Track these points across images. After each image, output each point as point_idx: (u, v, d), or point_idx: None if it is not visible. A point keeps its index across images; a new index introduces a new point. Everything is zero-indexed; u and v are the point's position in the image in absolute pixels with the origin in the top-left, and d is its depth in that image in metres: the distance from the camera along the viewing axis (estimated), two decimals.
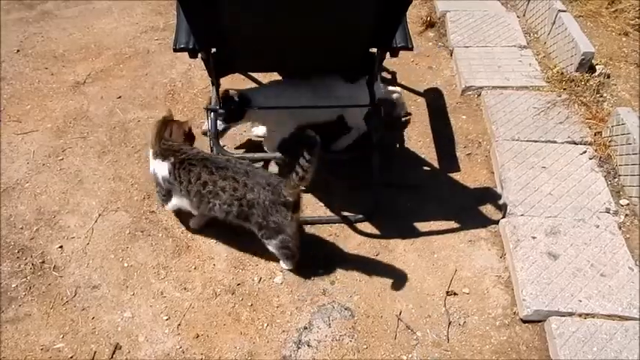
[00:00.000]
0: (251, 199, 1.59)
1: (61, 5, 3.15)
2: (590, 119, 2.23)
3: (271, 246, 1.70)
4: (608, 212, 1.89)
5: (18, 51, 2.78)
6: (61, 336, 1.63)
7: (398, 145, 2.27)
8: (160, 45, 2.82)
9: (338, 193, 2.05)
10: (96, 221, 1.95)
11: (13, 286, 1.75)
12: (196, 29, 1.54)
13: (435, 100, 2.50)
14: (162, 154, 1.69)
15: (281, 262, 1.78)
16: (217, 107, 1.91)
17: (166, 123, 1.75)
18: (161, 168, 1.68)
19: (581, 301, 1.63)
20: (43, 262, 1.82)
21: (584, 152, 2.10)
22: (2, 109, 2.41)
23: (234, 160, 1.66)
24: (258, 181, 1.60)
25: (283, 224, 1.62)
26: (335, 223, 1.95)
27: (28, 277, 1.77)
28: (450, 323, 1.66)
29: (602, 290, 1.65)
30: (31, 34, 2.90)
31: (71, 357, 1.58)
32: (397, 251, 1.86)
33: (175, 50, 1.65)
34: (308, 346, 1.60)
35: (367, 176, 1.97)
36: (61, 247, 1.87)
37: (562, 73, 2.45)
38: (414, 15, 3.00)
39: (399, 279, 1.78)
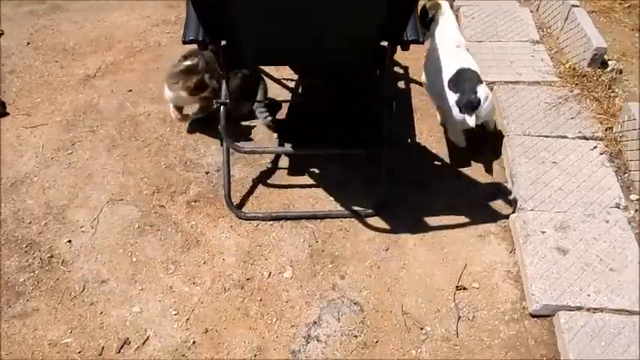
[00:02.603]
0: None
1: None
2: (601, 114, 2.21)
3: None
4: (618, 207, 1.88)
5: (28, 44, 2.78)
6: (69, 331, 1.63)
7: (410, 140, 2.26)
8: (172, 38, 2.82)
9: (348, 187, 2.04)
10: (105, 215, 1.95)
11: (20, 280, 1.75)
12: (205, 21, 1.53)
13: None
14: None
15: None
16: (227, 101, 1.91)
17: None
18: None
19: (589, 295, 1.62)
20: (52, 256, 1.82)
21: (595, 147, 2.09)
22: (12, 102, 2.42)
23: None
24: None
25: None
26: (345, 217, 1.94)
27: (36, 272, 1.78)
28: (459, 318, 1.65)
29: (610, 285, 1.65)
30: (42, 27, 2.90)
31: (79, 352, 1.58)
32: (407, 246, 1.86)
33: (185, 42, 1.63)
34: (317, 340, 1.59)
35: (377, 170, 1.96)
36: (69, 241, 1.87)
37: (574, 69, 2.43)
38: None
39: (408, 274, 1.77)
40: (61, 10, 3.05)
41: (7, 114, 2.37)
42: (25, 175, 2.09)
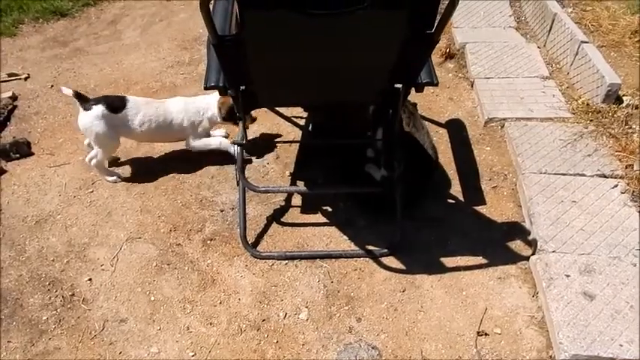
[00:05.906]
0: None
1: (92, 42, 3.28)
2: (619, 152, 2.18)
3: None
4: None
5: (52, 86, 2.89)
6: None
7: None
8: (186, 79, 2.90)
9: (361, 225, 2.04)
10: (124, 254, 1.98)
11: (43, 318, 1.78)
12: (227, 70, 1.59)
13: (457, 131, 2.49)
14: None
15: None
16: (243, 141, 1.95)
17: None
18: None
19: (622, 345, 1.54)
20: (73, 294, 1.85)
21: (616, 186, 2.05)
22: (37, 142, 2.50)
23: None
24: None
25: None
26: (359, 257, 1.93)
27: (58, 310, 1.80)
28: None
29: None
30: (64, 70, 3.02)
31: None
32: (424, 287, 1.83)
33: (206, 88, 1.69)
34: None
35: (391, 209, 1.95)
36: (90, 279, 1.89)
37: (588, 105, 2.41)
38: None
39: (427, 317, 1.74)
40: (82, 54, 3.18)
41: (32, 154, 2.44)
42: (49, 214, 2.14)
